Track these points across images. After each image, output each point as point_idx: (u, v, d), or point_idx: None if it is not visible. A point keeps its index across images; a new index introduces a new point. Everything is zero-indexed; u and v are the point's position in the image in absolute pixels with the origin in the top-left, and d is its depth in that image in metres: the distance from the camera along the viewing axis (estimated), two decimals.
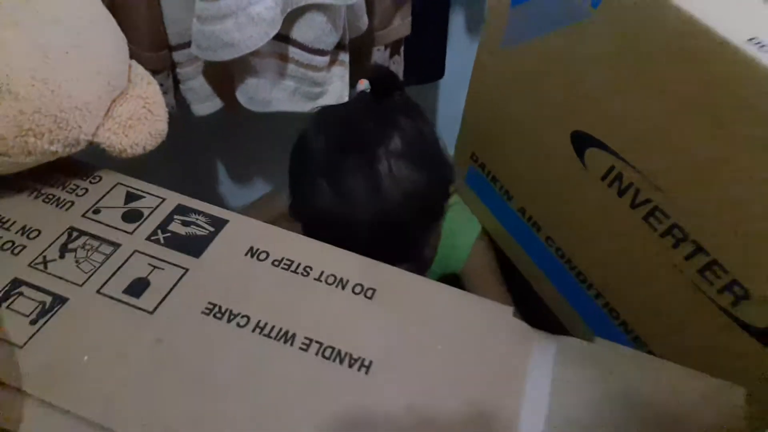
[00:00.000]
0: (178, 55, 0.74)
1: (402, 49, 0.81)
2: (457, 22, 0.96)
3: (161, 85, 0.75)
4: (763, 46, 0.39)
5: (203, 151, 0.97)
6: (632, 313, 0.54)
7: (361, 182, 0.51)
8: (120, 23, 0.68)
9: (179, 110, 0.79)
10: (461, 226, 0.74)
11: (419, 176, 0.53)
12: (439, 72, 0.90)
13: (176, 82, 0.78)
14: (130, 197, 0.44)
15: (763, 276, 0.42)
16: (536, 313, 0.48)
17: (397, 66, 0.83)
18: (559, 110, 0.55)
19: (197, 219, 0.43)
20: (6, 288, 0.38)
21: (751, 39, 0.39)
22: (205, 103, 0.79)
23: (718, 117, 0.41)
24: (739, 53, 0.39)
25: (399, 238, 0.54)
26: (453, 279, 0.75)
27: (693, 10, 0.41)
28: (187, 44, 0.71)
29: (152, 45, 0.71)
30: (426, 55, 0.86)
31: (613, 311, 0.56)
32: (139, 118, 0.45)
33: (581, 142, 0.54)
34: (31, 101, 0.38)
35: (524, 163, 0.63)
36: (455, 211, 0.74)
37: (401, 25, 0.78)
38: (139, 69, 0.48)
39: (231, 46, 0.65)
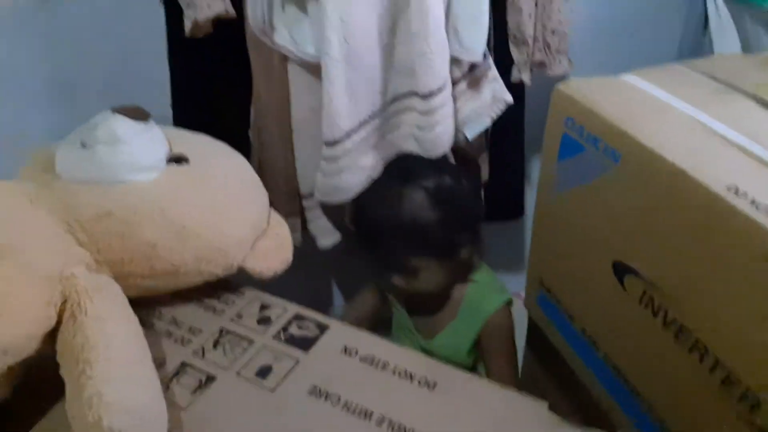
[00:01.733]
0: (306, 202, 0.95)
1: (481, 191, 0.97)
2: (536, 165, 1.11)
3: (292, 225, 0.97)
4: (738, 192, 0.50)
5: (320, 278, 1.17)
6: (670, 415, 0.61)
7: (392, 193, 0.79)
8: (265, 180, 0.92)
9: (305, 244, 0.98)
10: (487, 293, 0.88)
11: (429, 213, 0.77)
12: (518, 211, 1.04)
13: (304, 222, 0.97)
14: (263, 307, 0.61)
15: None
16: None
17: None
18: (601, 244, 0.67)
19: (308, 324, 0.58)
20: (177, 368, 0.55)
21: (729, 187, 0.50)
22: (328, 237, 0.98)
23: (711, 252, 0.52)
24: (719, 199, 0.50)
25: (391, 250, 0.79)
26: None
27: (682, 163, 0.53)
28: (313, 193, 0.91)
29: (288, 195, 0.93)
30: (505, 196, 1.01)
31: (655, 416, 0.63)
32: (274, 251, 0.63)
33: (620, 270, 0.64)
34: (207, 239, 0.58)
35: (580, 287, 0.73)
36: (481, 282, 0.89)
37: (482, 168, 0.95)
38: (275, 215, 0.67)
39: (345, 191, 0.84)
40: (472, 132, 0.89)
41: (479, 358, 0.92)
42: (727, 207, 0.49)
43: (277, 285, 0.66)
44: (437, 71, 0.76)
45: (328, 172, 0.82)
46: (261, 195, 0.65)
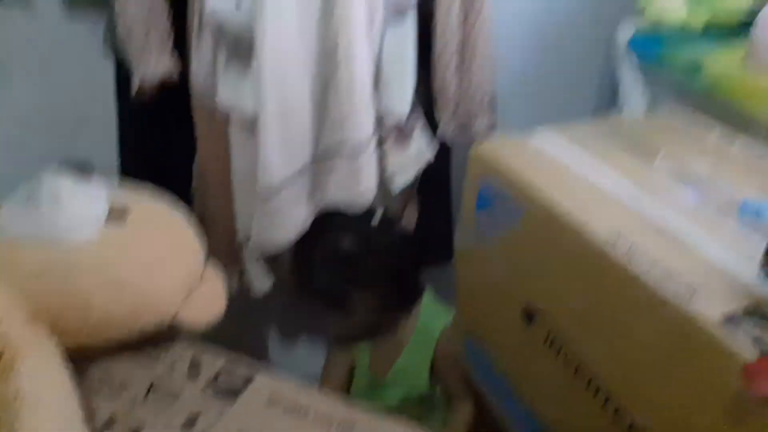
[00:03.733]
0: (244, 249, 0.98)
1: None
2: None
3: (231, 274, 1.00)
4: (617, 242, 0.56)
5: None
6: None
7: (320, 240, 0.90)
8: (206, 232, 0.95)
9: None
10: (434, 315, 0.96)
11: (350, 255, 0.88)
12: (447, 255, 1.09)
13: (241, 273, 1.01)
14: (194, 359, 0.64)
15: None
16: None
17: None
18: (513, 289, 0.73)
19: (236, 375, 0.62)
20: (106, 421, 0.57)
21: (609, 237, 0.57)
22: (262, 283, 1.02)
23: (596, 297, 0.58)
24: (599, 249, 0.56)
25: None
26: None
27: (571, 216, 0.60)
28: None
29: (228, 246, 0.96)
30: (434, 241, 1.07)
31: None
32: (206, 303, 0.67)
33: (528, 313, 0.70)
34: (141, 293, 0.61)
35: (497, 331, 0.79)
36: (428, 305, 0.98)
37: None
38: (210, 267, 0.71)
39: (275, 241, 0.88)
40: (397, 184, 0.96)
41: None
42: (606, 256, 0.56)
43: (217, 332, 0.70)
44: (363, 129, 0.82)
45: (262, 221, 0.87)
46: (196, 249, 0.69)
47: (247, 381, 0.61)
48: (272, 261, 0.98)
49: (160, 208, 0.71)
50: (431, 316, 0.96)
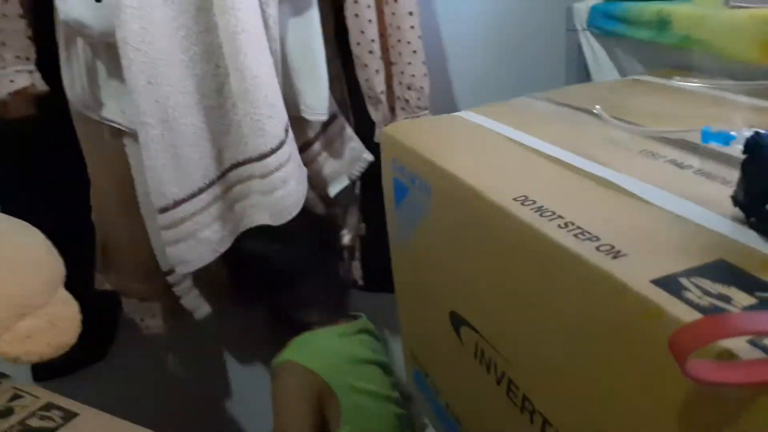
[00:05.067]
0: (171, 278, 0.85)
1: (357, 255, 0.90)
2: None
3: (150, 310, 0.88)
4: (525, 201, 0.42)
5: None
6: None
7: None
8: (113, 263, 0.83)
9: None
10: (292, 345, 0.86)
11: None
12: None
13: (171, 306, 0.87)
14: (13, 398, 0.51)
15: None
16: None
17: (356, 272, 0.90)
18: (440, 293, 0.57)
19: (54, 413, 0.48)
20: None
21: (516, 198, 0.42)
22: (202, 308, 0.88)
23: (515, 279, 0.42)
24: (504, 211, 0.41)
25: None
26: None
27: (474, 181, 0.46)
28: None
29: (139, 276, 0.84)
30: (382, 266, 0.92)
31: None
32: (41, 333, 0.53)
33: (456, 321, 0.54)
34: None
35: (437, 352, 0.63)
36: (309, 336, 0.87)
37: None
38: (61, 293, 0.58)
39: (186, 263, 0.75)
40: (332, 190, 0.83)
41: None
42: (512, 217, 0.41)
43: None
44: (267, 132, 0.69)
45: (167, 242, 0.74)
46: (31, 272, 0.56)
47: (65, 420, 0.47)
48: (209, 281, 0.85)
49: None
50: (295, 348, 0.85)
